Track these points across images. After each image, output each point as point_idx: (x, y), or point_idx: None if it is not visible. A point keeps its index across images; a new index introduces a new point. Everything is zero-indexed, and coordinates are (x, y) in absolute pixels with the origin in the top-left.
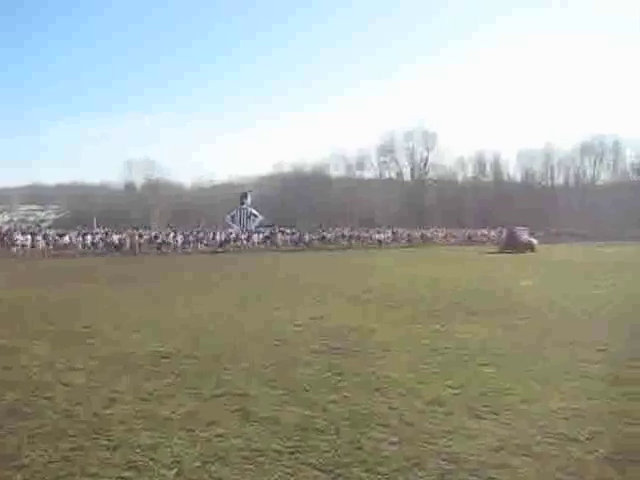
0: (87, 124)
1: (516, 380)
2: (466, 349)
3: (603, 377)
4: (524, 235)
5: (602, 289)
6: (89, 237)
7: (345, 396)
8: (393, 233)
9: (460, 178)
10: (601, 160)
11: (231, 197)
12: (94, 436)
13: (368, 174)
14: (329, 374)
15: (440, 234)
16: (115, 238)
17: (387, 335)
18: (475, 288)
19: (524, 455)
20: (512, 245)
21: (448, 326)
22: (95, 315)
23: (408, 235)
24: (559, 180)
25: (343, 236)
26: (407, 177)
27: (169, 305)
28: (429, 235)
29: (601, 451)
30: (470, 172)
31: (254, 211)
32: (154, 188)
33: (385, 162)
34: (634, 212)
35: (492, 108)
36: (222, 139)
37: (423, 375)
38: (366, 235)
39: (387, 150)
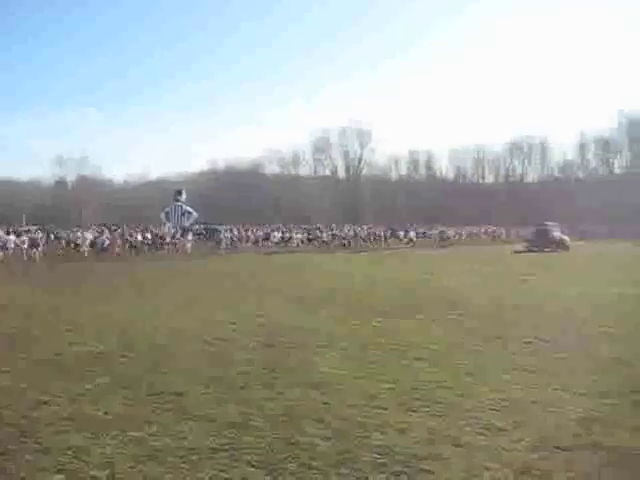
0: (18, 117)
1: (447, 373)
2: (401, 345)
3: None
4: (555, 231)
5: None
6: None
7: (280, 393)
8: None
9: (393, 176)
10: (529, 159)
11: (165, 194)
12: (22, 439)
13: (303, 171)
14: (265, 371)
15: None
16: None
17: (324, 332)
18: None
19: (454, 446)
20: (541, 242)
21: (383, 322)
22: (24, 317)
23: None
24: (489, 178)
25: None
26: (341, 174)
27: (105, 307)
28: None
29: (527, 440)
30: (403, 170)
31: (189, 208)
32: (86, 185)
33: (320, 159)
34: (560, 209)
35: (425, 108)
36: (155, 136)
37: (358, 371)
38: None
39: (321, 148)
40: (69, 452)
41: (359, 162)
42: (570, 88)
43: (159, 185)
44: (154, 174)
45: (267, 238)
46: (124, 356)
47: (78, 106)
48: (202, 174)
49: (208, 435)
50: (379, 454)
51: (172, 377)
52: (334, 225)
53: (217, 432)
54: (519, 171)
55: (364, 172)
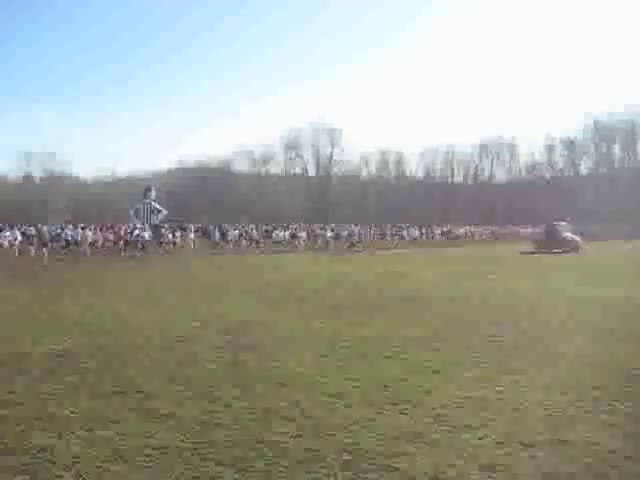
0: None
1: (413, 371)
2: (365, 343)
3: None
4: (566, 231)
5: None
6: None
7: (247, 391)
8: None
9: (364, 175)
10: (498, 159)
11: (134, 191)
12: None
13: (273, 170)
14: (231, 369)
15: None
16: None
17: (291, 330)
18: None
19: (420, 443)
20: (551, 243)
21: (349, 320)
22: None
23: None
24: (459, 177)
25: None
26: (312, 173)
27: (67, 305)
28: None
29: (492, 436)
30: (374, 169)
31: (158, 206)
32: (54, 181)
33: (290, 158)
34: (527, 208)
35: (396, 108)
36: (125, 133)
37: (325, 369)
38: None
39: (292, 146)
40: (33, 452)
41: (329, 161)
42: (538, 90)
43: (128, 182)
44: (123, 171)
45: (269, 237)
46: (91, 355)
47: (48, 103)
48: (171, 172)
49: (175, 434)
50: (346, 451)
51: (139, 376)
52: (333, 225)
53: (185, 431)
54: (488, 171)
55: (334, 171)
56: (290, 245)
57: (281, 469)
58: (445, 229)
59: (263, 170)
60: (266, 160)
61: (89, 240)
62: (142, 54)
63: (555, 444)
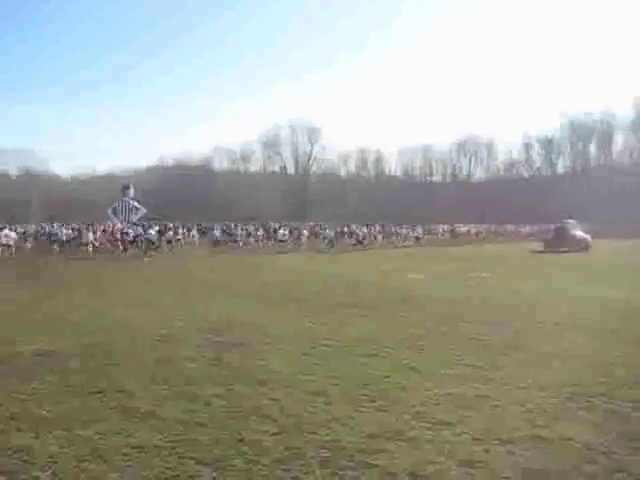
0: None
1: (393, 369)
2: (349, 341)
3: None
4: (576, 230)
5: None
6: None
7: (228, 389)
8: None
9: (343, 173)
10: (476, 158)
11: (113, 189)
12: None
13: (253, 167)
14: (213, 368)
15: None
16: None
17: (276, 329)
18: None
19: (400, 440)
20: (561, 242)
21: (331, 318)
22: None
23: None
24: (437, 176)
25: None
26: (291, 171)
27: (60, 306)
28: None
29: (471, 433)
30: (353, 167)
31: (136, 204)
32: (31, 179)
33: (270, 156)
34: (505, 206)
35: (375, 107)
36: (104, 130)
37: (305, 367)
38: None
39: (272, 144)
40: (10, 452)
41: (309, 159)
42: (515, 89)
43: (107, 180)
44: (101, 169)
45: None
46: (75, 355)
47: (27, 100)
48: (151, 170)
49: (155, 433)
50: (326, 449)
51: (120, 375)
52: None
53: (164, 430)
54: (466, 170)
55: (314, 169)
56: (295, 244)
57: (260, 467)
58: (448, 227)
59: (242, 168)
60: (245, 158)
61: (90, 240)
62: (123, 55)
63: (533, 440)
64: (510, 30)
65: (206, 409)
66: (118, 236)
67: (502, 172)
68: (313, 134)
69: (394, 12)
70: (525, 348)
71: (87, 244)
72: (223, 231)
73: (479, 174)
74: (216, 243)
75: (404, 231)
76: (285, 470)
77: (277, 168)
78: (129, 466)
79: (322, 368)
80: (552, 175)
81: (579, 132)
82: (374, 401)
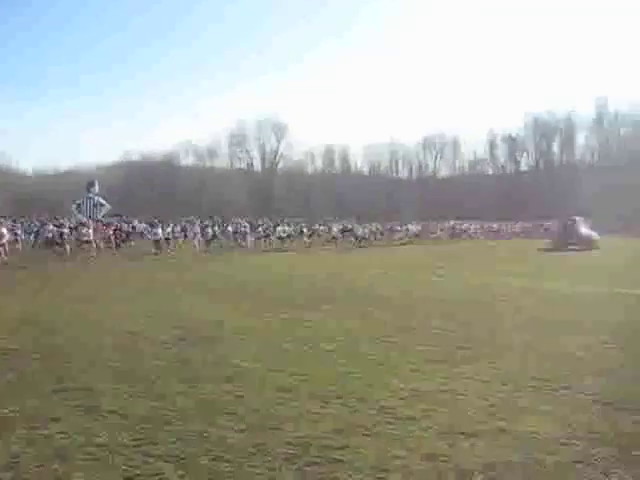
0: None
1: (359, 365)
2: (314, 337)
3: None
4: (582, 227)
5: None
6: None
7: (193, 386)
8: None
9: (309, 170)
10: (441, 155)
11: (77, 186)
12: None
13: (219, 164)
14: (178, 365)
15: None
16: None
17: (243, 326)
18: None
19: (365, 435)
20: (566, 240)
21: (299, 315)
22: None
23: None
24: (403, 173)
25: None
26: (257, 167)
27: (28, 303)
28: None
29: (435, 427)
30: (319, 164)
31: (101, 200)
32: None
33: (236, 152)
34: (468, 204)
35: (341, 103)
36: (66, 127)
37: (272, 363)
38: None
39: (238, 140)
40: None
41: (275, 155)
42: (480, 88)
43: (71, 176)
44: (64, 165)
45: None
46: (37, 353)
47: None
48: (115, 166)
49: (119, 431)
50: (292, 445)
51: (84, 373)
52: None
53: (128, 428)
54: (431, 167)
55: (280, 165)
56: (296, 242)
57: (226, 464)
58: (448, 224)
59: (209, 164)
60: (211, 154)
61: (85, 238)
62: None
63: (496, 434)
64: (475, 29)
65: (171, 407)
66: (111, 233)
67: (467, 169)
68: (280, 131)
69: (359, 10)
70: (490, 343)
71: (88, 242)
72: (222, 229)
73: (444, 171)
74: (208, 241)
75: (402, 228)
76: (251, 467)
77: (243, 165)
78: (93, 465)
79: (289, 365)
80: (516, 173)
81: (542, 131)
82: (340, 397)
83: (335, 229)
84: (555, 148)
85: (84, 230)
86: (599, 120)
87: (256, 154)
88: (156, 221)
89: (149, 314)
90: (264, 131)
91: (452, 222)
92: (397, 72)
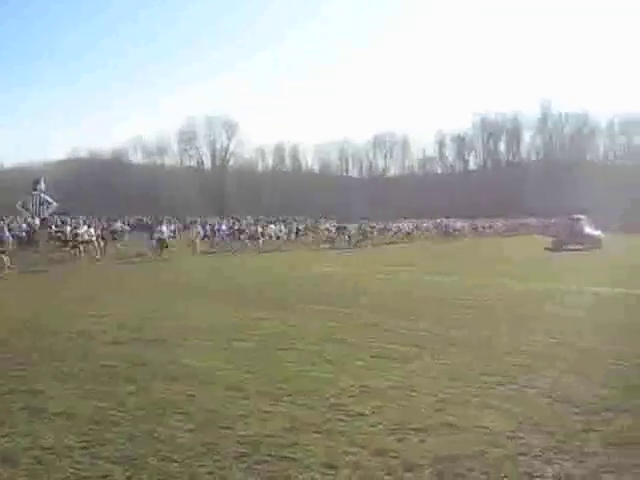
0: None
1: (311, 363)
2: (267, 336)
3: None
4: (586, 226)
5: None
6: None
7: (143, 386)
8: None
9: (260, 167)
10: (391, 154)
11: (22, 183)
12: None
13: (169, 161)
14: (128, 365)
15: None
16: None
17: (195, 325)
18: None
19: (315, 432)
20: (572, 238)
21: (248, 314)
22: None
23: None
24: (353, 172)
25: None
26: (208, 165)
27: None
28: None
29: (384, 423)
30: (270, 162)
31: (48, 198)
32: None
33: (186, 149)
34: (417, 201)
35: (292, 101)
36: (9, 122)
37: (223, 362)
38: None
39: (188, 138)
40: None
41: (226, 153)
42: (430, 89)
43: (16, 173)
44: (8, 163)
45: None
46: None
47: None
48: (62, 162)
49: (66, 433)
50: (242, 444)
51: (30, 374)
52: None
53: (76, 430)
54: (381, 165)
55: (231, 163)
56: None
57: (175, 464)
58: (434, 224)
59: (158, 162)
60: (161, 151)
61: (87, 238)
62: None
63: (444, 428)
64: (425, 30)
65: (119, 407)
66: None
67: (416, 168)
68: (230, 128)
69: (313, 9)
70: (441, 339)
71: (90, 242)
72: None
73: (394, 170)
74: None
75: (395, 227)
76: (200, 466)
77: (194, 162)
78: (39, 469)
79: (239, 363)
80: (464, 171)
81: (490, 130)
82: (290, 395)
83: (329, 227)
84: (502, 147)
85: (83, 230)
86: (544, 120)
87: (206, 152)
88: (166, 220)
89: (102, 313)
90: (214, 128)
91: (444, 220)
92: (348, 71)
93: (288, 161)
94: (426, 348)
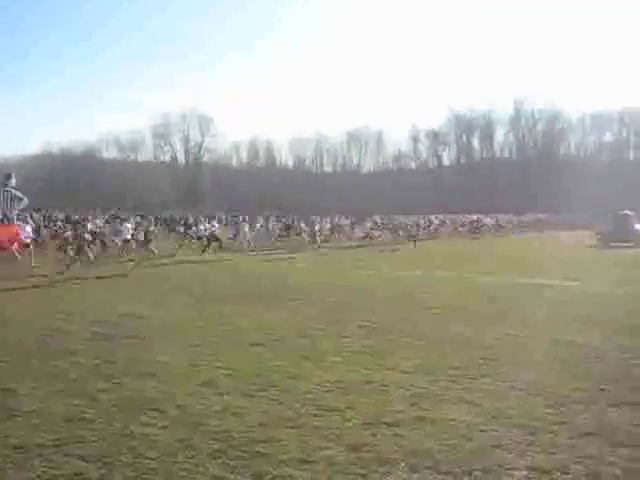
0: None
1: (285, 358)
2: (245, 332)
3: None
4: (636, 223)
5: None
6: None
7: (116, 383)
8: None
9: (234, 163)
10: (365, 149)
11: None
12: None
13: (142, 157)
14: (100, 362)
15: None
16: None
17: (167, 321)
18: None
19: (290, 428)
20: (620, 235)
21: (225, 310)
22: None
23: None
24: (328, 167)
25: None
26: (182, 161)
27: None
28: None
29: (359, 418)
30: (244, 157)
31: (18, 193)
32: None
33: (160, 145)
34: (394, 197)
35: (267, 96)
36: None
37: (197, 358)
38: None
39: (162, 133)
40: None
41: (200, 149)
42: (403, 84)
43: None
44: None
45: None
46: None
47: None
48: (34, 158)
49: (37, 431)
50: (216, 440)
51: (0, 372)
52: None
53: (47, 428)
54: (356, 161)
55: (205, 159)
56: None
57: (148, 461)
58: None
59: (132, 157)
60: (135, 147)
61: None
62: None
63: (417, 422)
64: (400, 27)
65: (92, 404)
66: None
67: (390, 164)
68: (204, 123)
69: (284, 6)
70: (413, 333)
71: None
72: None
73: (368, 166)
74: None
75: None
76: (175, 463)
77: (167, 158)
78: (9, 467)
79: (213, 359)
80: (438, 167)
81: (463, 126)
82: (265, 390)
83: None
84: (475, 144)
85: (121, 226)
86: (517, 117)
87: (180, 147)
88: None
89: (74, 310)
90: (189, 124)
91: (475, 216)
92: (323, 66)
93: (262, 156)
94: (396, 342)
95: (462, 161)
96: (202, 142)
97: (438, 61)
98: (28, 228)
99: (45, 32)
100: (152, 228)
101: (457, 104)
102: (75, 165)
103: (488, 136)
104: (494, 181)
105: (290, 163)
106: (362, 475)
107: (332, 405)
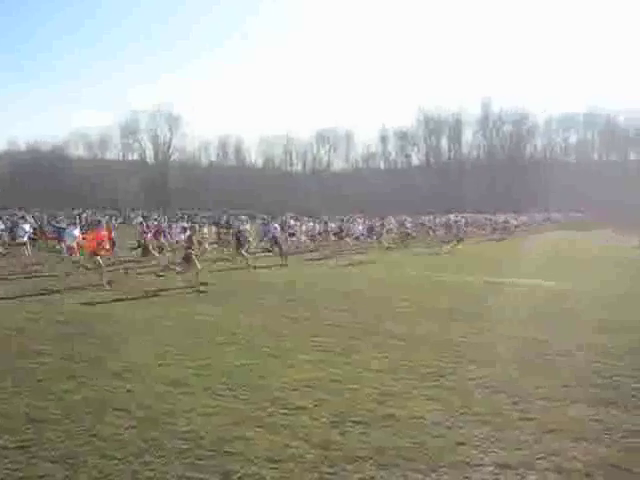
0: None
1: (254, 357)
2: (207, 330)
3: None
4: None
5: None
6: None
7: (82, 383)
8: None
9: (203, 161)
10: (335, 149)
11: None
12: None
13: (110, 155)
14: (66, 362)
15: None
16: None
17: (135, 320)
18: None
19: (257, 427)
20: None
21: (192, 309)
22: None
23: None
24: (297, 166)
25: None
26: (150, 159)
27: None
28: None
29: (327, 416)
30: (213, 156)
31: None
32: None
33: (128, 143)
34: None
35: (237, 95)
36: None
37: (164, 357)
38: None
39: (130, 131)
40: None
41: (168, 147)
42: (373, 84)
43: None
44: None
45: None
46: None
47: None
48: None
49: (1, 433)
50: (184, 440)
51: None
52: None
53: (12, 429)
54: (325, 160)
55: (174, 157)
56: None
57: (115, 462)
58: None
59: (100, 155)
60: (103, 145)
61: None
62: None
63: (384, 420)
64: (370, 27)
65: (58, 404)
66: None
67: (360, 163)
68: (173, 122)
69: (255, 6)
70: (381, 332)
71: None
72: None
73: (338, 165)
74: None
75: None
76: (142, 463)
77: (136, 156)
78: None
79: (181, 358)
80: (407, 167)
81: (432, 127)
82: (233, 389)
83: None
84: (444, 144)
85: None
86: (485, 118)
87: (149, 145)
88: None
89: (37, 309)
90: (157, 122)
91: (503, 217)
92: (293, 66)
93: (231, 155)
94: (364, 341)
95: (431, 161)
96: (170, 140)
97: (408, 62)
98: None
99: (24, 31)
100: (205, 230)
101: (426, 105)
102: (41, 163)
103: (457, 137)
104: (462, 181)
105: (260, 162)
106: (330, 473)
107: (300, 404)
